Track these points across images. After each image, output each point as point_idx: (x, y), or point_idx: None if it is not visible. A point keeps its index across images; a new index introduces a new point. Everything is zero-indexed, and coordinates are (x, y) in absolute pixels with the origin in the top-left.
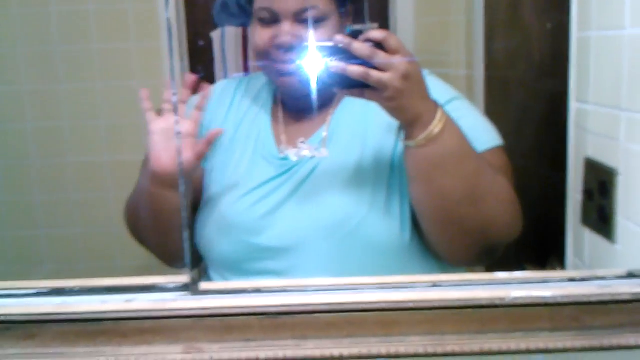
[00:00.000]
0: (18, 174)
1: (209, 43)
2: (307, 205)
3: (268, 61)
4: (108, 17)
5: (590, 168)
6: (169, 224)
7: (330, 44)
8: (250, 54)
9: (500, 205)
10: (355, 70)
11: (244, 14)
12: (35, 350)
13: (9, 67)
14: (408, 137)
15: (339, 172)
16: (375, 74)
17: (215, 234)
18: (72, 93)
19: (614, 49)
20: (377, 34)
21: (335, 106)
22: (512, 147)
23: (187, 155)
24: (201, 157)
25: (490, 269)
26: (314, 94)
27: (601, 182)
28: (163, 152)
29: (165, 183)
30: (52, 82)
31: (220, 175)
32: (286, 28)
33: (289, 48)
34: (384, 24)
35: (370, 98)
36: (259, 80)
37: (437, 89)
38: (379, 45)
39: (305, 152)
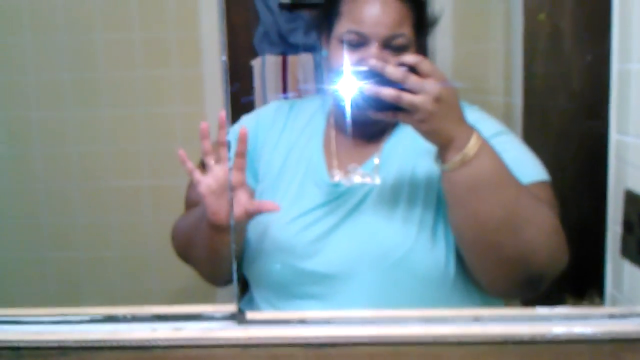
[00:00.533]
0: (60, 197)
1: (249, 70)
2: (355, 232)
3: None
4: (151, 45)
5: (630, 200)
6: (222, 256)
7: (365, 68)
8: (325, 75)
9: (542, 236)
10: (388, 92)
11: (284, 43)
12: None
13: (54, 93)
14: (443, 160)
15: (388, 201)
16: (407, 96)
17: (264, 257)
18: (113, 119)
19: None
20: (410, 58)
21: (389, 135)
22: (552, 178)
23: (239, 210)
24: (252, 216)
25: (530, 299)
26: (371, 122)
27: None
28: (218, 208)
29: (223, 231)
30: (94, 108)
31: (271, 197)
32: (374, 51)
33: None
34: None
35: (403, 120)
36: (312, 103)
37: (484, 122)
38: (413, 69)
39: (357, 179)
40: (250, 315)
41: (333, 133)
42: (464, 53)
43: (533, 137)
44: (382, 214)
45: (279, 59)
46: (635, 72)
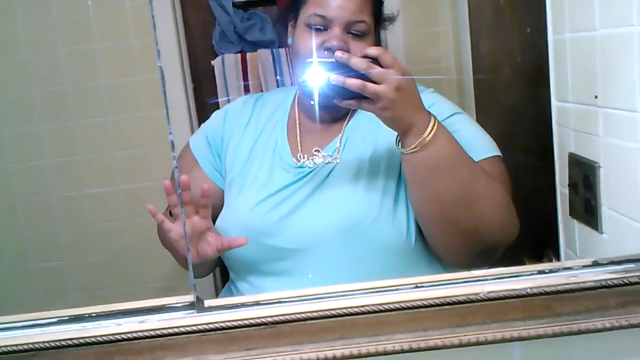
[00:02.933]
0: (39, 208)
1: (211, 70)
2: (320, 208)
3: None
4: (114, 54)
5: (574, 163)
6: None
7: (332, 59)
8: (294, 60)
9: (494, 209)
10: (353, 82)
11: (242, 41)
12: None
13: (24, 109)
14: (403, 145)
15: (351, 177)
16: (371, 86)
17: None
18: (85, 128)
19: (587, 49)
20: (373, 50)
21: (350, 117)
22: (502, 146)
23: (210, 250)
24: (220, 252)
25: (491, 266)
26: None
27: (585, 176)
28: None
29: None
30: (65, 120)
31: (239, 186)
32: (337, 33)
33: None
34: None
35: (366, 108)
36: (277, 94)
37: (440, 104)
38: (375, 61)
39: (320, 160)
40: (208, 302)
41: (297, 119)
42: (415, 37)
43: (485, 110)
44: (345, 189)
45: (238, 57)
46: (569, 42)
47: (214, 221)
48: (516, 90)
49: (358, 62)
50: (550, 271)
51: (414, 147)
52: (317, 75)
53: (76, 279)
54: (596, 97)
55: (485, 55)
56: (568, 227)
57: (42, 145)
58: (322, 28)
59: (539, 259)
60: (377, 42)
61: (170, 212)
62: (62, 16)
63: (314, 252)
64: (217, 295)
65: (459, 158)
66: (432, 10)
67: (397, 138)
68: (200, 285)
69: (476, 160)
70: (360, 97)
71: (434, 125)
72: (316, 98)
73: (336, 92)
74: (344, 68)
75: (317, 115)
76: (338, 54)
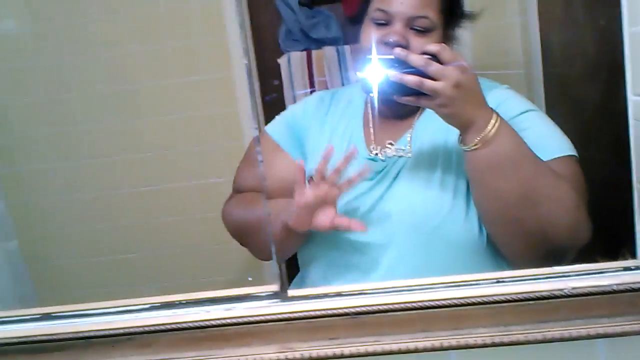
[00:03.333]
0: (113, 202)
1: (277, 68)
2: (394, 203)
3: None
4: (181, 53)
5: None
6: (283, 248)
7: (391, 56)
8: (359, 53)
9: (561, 211)
10: (410, 79)
11: (307, 39)
12: (152, 357)
13: (96, 106)
14: (464, 142)
15: (422, 172)
16: (428, 82)
17: (314, 232)
18: (156, 126)
19: None
20: (432, 47)
21: (421, 113)
22: (574, 141)
23: (324, 221)
24: (334, 229)
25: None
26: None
27: None
28: (304, 220)
29: (294, 236)
30: (135, 117)
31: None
32: (397, 29)
33: (396, 45)
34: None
35: (425, 105)
36: (351, 89)
37: (512, 100)
38: (435, 58)
39: (392, 153)
40: (292, 292)
41: (370, 114)
42: (482, 31)
43: (554, 105)
44: (417, 184)
45: (304, 54)
46: None
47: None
48: (589, 85)
49: (416, 59)
50: (637, 268)
51: (475, 145)
52: (375, 71)
53: (147, 270)
54: None
55: (556, 49)
56: None
57: (114, 143)
58: (384, 23)
59: (613, 258)
60: (447, 39)
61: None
62: (130, 14)
63: (384, 247)
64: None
65: (523, 156)
66: (499, 3)
67: (459, 135)
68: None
69: (546, 159)
70: (418, 94)
71: (495, 122)
72: (375, 94)
73: (395, 88)
74: (403, 64)
75: (383, 111)
76: (397, 50)
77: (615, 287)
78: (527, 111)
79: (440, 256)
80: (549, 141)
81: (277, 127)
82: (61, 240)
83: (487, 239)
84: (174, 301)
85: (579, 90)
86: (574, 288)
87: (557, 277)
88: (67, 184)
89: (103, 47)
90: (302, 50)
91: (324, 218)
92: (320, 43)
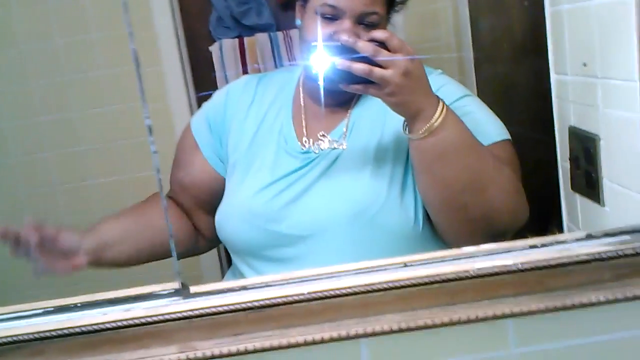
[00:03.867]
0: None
1: (209, 56)
2: (327, 194)
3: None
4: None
5: (574, 136)
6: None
7: (337, 42)
8: (301, 44)
9: (504, 195)
10: (359, 67)
11: (239, 26)
12: None
13: (26, 101)
14: (410, 131)
15: (358, 163)
16: (377, 70)
17: (239, 223)
18: (85, 120)
19: (584, 20)
20: (380, 34)
21: (356, 101)
22: (504, 121)
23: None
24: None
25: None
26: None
27: (585, 149)
28: (53, 267)
29: (95, 265)
30: (66, 111)
31: (244, 169)
32: (348, 25)
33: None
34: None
35: (372, 94)
36: (280, 75)
37: (448, 86)
38: (382, 45)
39: (326, 145)
40: (194, 289)
41: (302, 102)
42: (416, 15)
43: (485, 86)
44: (352, 175)
45: (236, 42)
46: (567, 13)
47: (215, 208)
48: (516, 65)
49: (364, 46)
50: (542, 245)
51: (422, 133)
52: (322, 59)
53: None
54: (585, 64)
55: (485, 32)
56: (570, 201)
57: (46, 137)
58: (332, 18)
59: (543, 235)
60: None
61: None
62: (56, 6)
63: (320, 239)
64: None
65: (468, 143)
66: None
67: (404, 123)
68: (205, 266)
69: (485, 144)
70: (366, 82)
71: (442, 110)
72: (321, 82)
73: (342, 76)
74: (350, 52)
75: (322, 100)
76: (344, 37)
77: (520, 266)
78: (463, 96)
79: (376, 246)
80: (487, 126)
81: (198, 122)
82: None
83: (422, 227)
84: (69, 304)
85: (506, 71)
86: (479, 269)
87: (464, 258)
88: None
89: (30, 40)
90: (233, 38)
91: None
92: (252, 30)
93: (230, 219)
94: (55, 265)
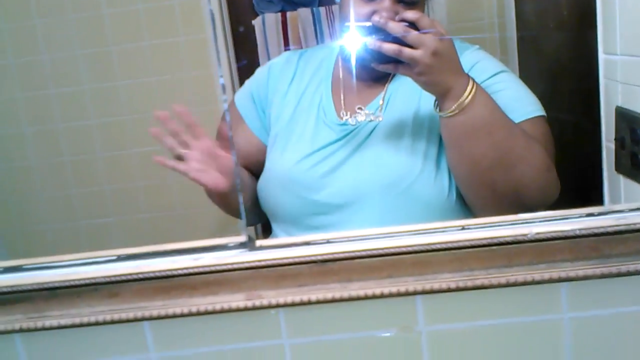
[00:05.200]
0: (88, 166)
1: (252, 30)
2: (363, 165)
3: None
4: (156, 14)
5: (621, 116)
6: (232, 207)
7: (369, 23)
8: (340, 22)
9: (533, 172)
10: (389, 47)
11: (282, 0)
12: (119, 307)
13: (69, 69)
14: (441, 109)
15: (394, 135)
16: (407, 50)
17: (280, 191)
18: (130, 88)
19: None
20: (410, 14)
21: (393, 77)
22: (547, 103)
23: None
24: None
25: None
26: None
27: (632, 129)
28: (215, 180)
29: (221, 196)
30: (110, 80)
31: (285, 140)
32: (387, 4)
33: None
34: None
35: (403, 73)
36: (320, 51)
37: (483, 62)
38: (413, 25)
39: (362, 118)
40: (259, 242)
41: (340, 77)
42: None
43: (529, 66)
44: (388, 146)
45: (278, 16)
46: None
47: (258, 176)
48: (562, 47)
49: (394, 26)
50: (600, 214)
51: (452, 111)
52: (354, 39)
53: (121, 235)
54: None
55: (530, 12)
56: (613, 183)
57: (89, 106)
58: None
59: None
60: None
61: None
62: None
63: (356, 208)
64: None
65: (498, 121)
66: None
67: (435, 101)
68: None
69: (518, 120)
70: (397, 62)
71: (472, 89)
72: (353, 62)
73: (373, 56)
74: (382, 32)
75: (358, 76)
76: (375, 17)
77: (577, 232)
78: (499, 72)
79: (411, 216)
80: (521, 103)
81: (241, 96)
82: (35, 205)
83: (455, 198)
84: (140, 252)
85: (551, 52)
86: (537, 233)
87: (521, 223)
88: (40, 148)
89: (75, 11)
90: (277, 12)
91: (222, 165)
92: (295, 5)
93: (271, 187)
94: (208, 176)
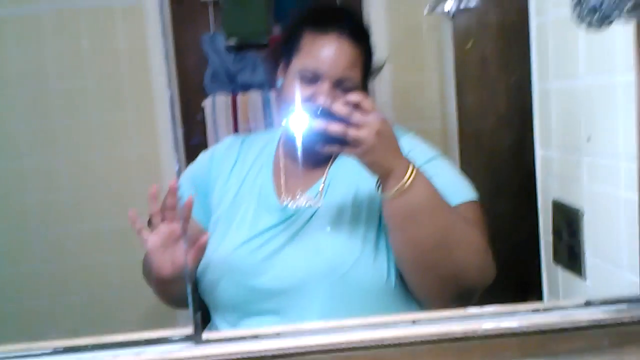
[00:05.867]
0: (19, 244)
1: (202, 111)
2: (302, 250)
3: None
4: (104, 91)
5: (558, 210)
6: (174, 289)
7: (315, 104)
8: (280, 105)
9: (471, 254)
10: (335, 128)
11: (233, 82)
12: None
13: (10, 142)
14: (383, 189)
15: (333, 221)
16: (352, 131)
17: (219, 277)
18: (73, 164)
19: (571, 97)
20: (354, 97)
21: (333, 161)
22: (487, 193)
23: (186, 259)
24: (198, 260)
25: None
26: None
27: (569, 222)
28: (162, 263)
29: (168, 281)
30: (52, 155)
31: (226, 225)
32: (326, 89)
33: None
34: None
35: (347, 153)
36: (263, 137)
37: (419, 148)
38: (356, 106)
39: (303, 202)
40: (206, 335)
41: (282, 162)
42: (402, 84)
43: (469, 158)
44: (326, 231)
45: (229, 98)
46: (554, 91)
47: (199, 262)
48: (501, 139)
49: (340, 108)
50: (545, 310)
51: (394, 193)
52: (300, 120)
53: (60, 315)
54: (588, 139)
55: (470, 105)
56: (551, 274)
57: (30, 181)
58: (311, 80)
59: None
60: (364, 91)
61: (149, 223)
62: (55, 49)
63: (296, 294)
64: None
65: (437, 204)
66: (419, 59)
67: (377, 182)
68: (181, 323)
69: (453, 204)
70: (342, 143)
71: (412, 172)
72: (299, 143)
73: (319, 137)
74: (326, 114)
75: (300, 160)
76: (321, 99)
77: (525, 329)
78: (434, 158)
79: (351, 301)
80: (455, 187)
81: (183, 182)
82: None
83: (395, 282)
84: (79, 345)
85: (491, 144)
86: (486, 330)
87: (469, 318)
88: None
89: (25, 83)
90: (227, 94)
91: (176, 255)
92: (246, 87)
93: (209, 273)
94: (161, 257)
